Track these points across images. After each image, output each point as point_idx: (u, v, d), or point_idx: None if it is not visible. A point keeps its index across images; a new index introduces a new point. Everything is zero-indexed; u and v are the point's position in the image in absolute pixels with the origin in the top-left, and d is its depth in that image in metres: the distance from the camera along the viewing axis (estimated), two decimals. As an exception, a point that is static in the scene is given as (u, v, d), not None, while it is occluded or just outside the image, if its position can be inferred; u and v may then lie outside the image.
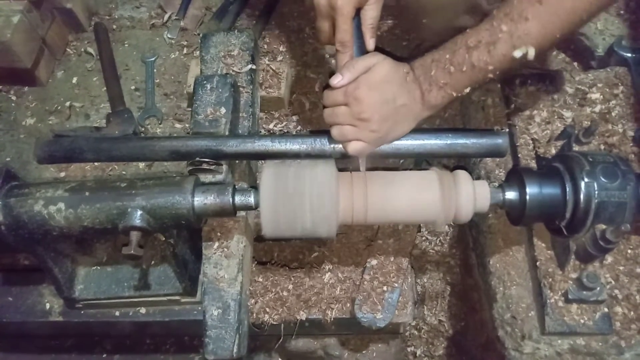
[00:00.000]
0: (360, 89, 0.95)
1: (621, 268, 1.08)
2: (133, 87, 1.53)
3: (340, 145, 1.01)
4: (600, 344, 1.05)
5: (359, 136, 0.98)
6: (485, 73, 0.91)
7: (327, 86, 1.00)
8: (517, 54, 0.88)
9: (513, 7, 0.88)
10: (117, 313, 1.22)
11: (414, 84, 0.96)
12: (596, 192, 0.92)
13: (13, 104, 1.51)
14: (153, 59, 1.56)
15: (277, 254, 1.35)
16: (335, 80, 0.97)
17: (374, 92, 0.95)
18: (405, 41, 1.50)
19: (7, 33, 1.34)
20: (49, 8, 1.51)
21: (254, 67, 1.27)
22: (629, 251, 1.09)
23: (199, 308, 1.17)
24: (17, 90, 1.53)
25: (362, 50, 1.03)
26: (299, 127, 1.42)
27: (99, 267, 1.18)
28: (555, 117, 1.20)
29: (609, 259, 1.08)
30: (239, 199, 0.96)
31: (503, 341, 1.14)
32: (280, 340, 1.33)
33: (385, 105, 0.95)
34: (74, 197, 0.95)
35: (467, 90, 0.94)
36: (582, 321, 1.03)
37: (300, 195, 0.93)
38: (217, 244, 1.14)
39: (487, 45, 0.89)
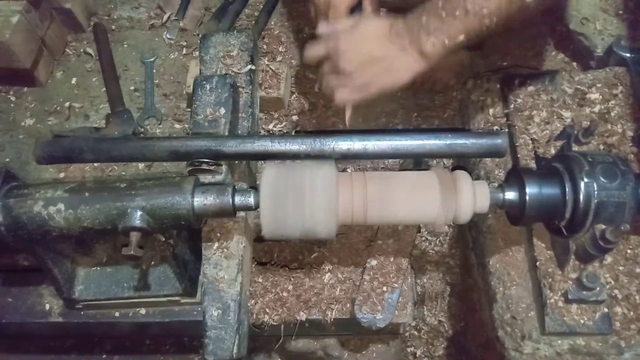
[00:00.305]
0: (340, 40, 1.00)
1: (621, 268, 1.08)
2: (132, 88, 1.53)
3: (340, 145, 1.00)
4: (600, 344, 1.05)
5: (341, 83, 1.02)
6: (481, 19, 0.88)
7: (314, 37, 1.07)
8: None
9: None
10: (117, 314, 1.22)
11: (399, 35, 0.97)
12: (596, 192, 0.92)
13: (12, 105, 1.51)
14: (152, 59, 1.56)
15: (277, 254, 1.34)
16: (320, 28, 1.06)
17: (352, 43, 0.99)
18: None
19: (6, 33, 1.34)
20: (48, 8, 1.50)
21: (253, 67, 1.27)
22: (629, 251, 1.09)
23: (199, 309, 1.17)
24: (16, 91, 1.53)
25: None
26: (298, 128, 1.42)
27: (98, 268, 1.18)
28: (555, 117, 1.20)
29: (608, 259, 1.08)
30: (238, 200, 0.96)
31: (503, 341, 1.14)
32: (280, 340, 1.33)
33: (364, 54, 0.99)
34: (73, 198, 0.95)
35: (461, 38, 0.91)
36: (582, 321, 1.03)
37: (300, 196, 0.92)
38: (216, 244, 1.14)
39: None
